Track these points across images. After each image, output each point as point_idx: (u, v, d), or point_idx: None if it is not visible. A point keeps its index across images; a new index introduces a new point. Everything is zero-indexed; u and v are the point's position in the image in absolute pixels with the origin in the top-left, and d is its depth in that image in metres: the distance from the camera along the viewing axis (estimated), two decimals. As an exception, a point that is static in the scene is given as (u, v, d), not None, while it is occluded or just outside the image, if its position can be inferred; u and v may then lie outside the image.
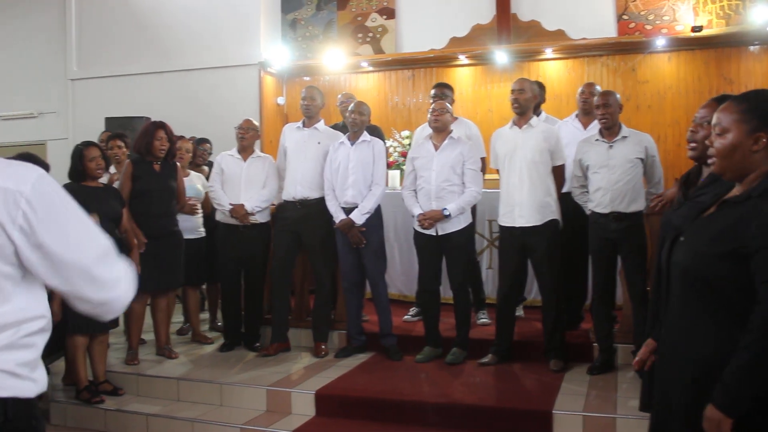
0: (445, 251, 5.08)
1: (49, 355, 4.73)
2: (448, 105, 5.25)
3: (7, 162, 1.56)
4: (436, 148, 5.06)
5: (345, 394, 4.55)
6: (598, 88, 5.48)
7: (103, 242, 1.61)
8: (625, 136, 4.67)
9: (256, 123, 5.81)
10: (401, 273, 6.63)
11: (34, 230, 1.49)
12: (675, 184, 3.91)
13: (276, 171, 5.66)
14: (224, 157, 5.69)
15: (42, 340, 1.60)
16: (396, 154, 7.58)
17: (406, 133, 7.78)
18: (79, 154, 4.79)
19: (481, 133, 5.83)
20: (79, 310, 1.63)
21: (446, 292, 5.45)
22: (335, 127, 5.89)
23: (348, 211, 5.20)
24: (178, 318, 6.34)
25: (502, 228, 4.99)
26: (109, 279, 1.59)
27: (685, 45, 7.50)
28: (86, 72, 9.21)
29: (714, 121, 2.08)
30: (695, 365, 2.00)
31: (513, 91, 4.93)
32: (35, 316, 1.57)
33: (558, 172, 4.94)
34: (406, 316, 6.01)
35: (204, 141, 6.70)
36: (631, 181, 4.60)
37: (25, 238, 1.49)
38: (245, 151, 5.65)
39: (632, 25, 7.62)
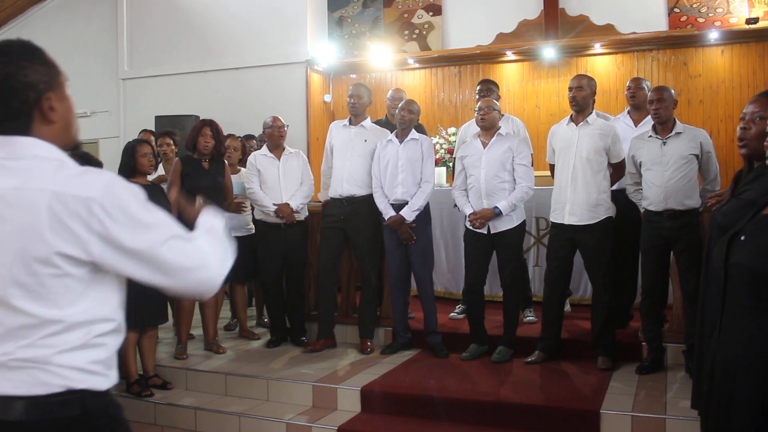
0: (496, 249, 5.05)
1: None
2: (496, 102, 5.20)
3: (81, 170, 1.61)
4: (484, 145, 5.03)
5: (390, 391, 4.55)
6: (647, 83, 5.37)
7: (175, 229, 1.64)
8: (679, 132, 4.55)
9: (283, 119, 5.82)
10: (447, 270, 6.62)
11: (111, 233, 1.55)
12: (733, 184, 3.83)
13: (309, 167, 5.75)
14: (257, 157, 5.69)
15: (114, 341, 1.67)
16: (442, 151, 7.56)
17: (452, 130, 7.76)
18: (132, 150, 4.88)
19: (527, 130, 5.78)
20: (186, 295, 1.73)
21: (492, 290, 5.41)
22: (379, 122, 5.89)
23: (397, 208, 5.20)
24: (225, 314, 6.42)
25: (553, 224, 4.94)
26: (194, 264, 1.64)
27: (739, 38, 7.33)
28: (137, 72, 9.40)
29: (753, 109, 2.23)
30: (762, 366, 1.94)
31: (571, 89, 4.85)
32: (106, 318, 1.64)
33: (618, 168, 4.86)
34: (451, 314, 5.99)
35: (250, 137, 6.77)
36: (685, 177, 4.49)
37: (102, 242, 1.56)
38: (277, 148, 5.68)
39: (684, 18, 7.47)
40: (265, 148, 5.74)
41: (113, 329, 1.66)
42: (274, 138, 5.67)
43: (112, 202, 1.55)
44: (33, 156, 1.59)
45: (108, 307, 1.65)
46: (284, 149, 5.70)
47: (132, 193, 1.60)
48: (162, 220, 1.63)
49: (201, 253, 1.66)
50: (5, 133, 1.60)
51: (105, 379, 1.64)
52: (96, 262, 1.58)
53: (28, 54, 1.66)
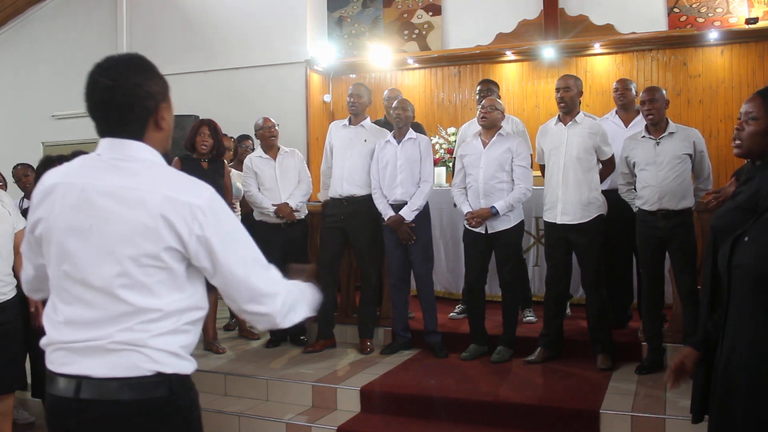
0: (494, 249, 5.05)
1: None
2: (499, 101, 5.20)
3: (190, 179, 1.81)
4: (485, 145, 5.03)
5: (390, 391, 4.55)
6: (634, 84, 5.49)
7: (258, 255, 1.84)
8: (672, 132, 4.58)
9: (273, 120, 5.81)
10: (447, 270, 6.63)
11: (207, 238, 1.74)
12: (733, 181, 3.82)
13: (305, 165, 5.75)
14: (253, 159, 5.70)
15: (197, 329, 1.85)
16: (442, 151, 7.56)
17: (452, 130, 7.76)
18: None
19: (527, 130, 5.78)
20: (244, 317, 1.90)
21: (492, 290, 5.41)
22: (378, 122, 5.89)
23: (396, 208, 5.21)
24: (224, 314, 6.42)
25: (546, 223, 4.96)
26: (264, 291, 1.81)
27: (738, 38, 7.33)
28: (137, 71, 9.38)
29: (747, 109, 2.24)
30: (764, 369, 1.94)
31: (558, 89, 4.87)
32: (195, 307, 1.82)
33: (607, 164, 4.88)
34: (451, 314, 6.00)
35: (245, 138, 6.76)
36: (680, 177, 4.51)
37: (199, 244, 1.74)
38: (272, 149, 5.68)
39: (683, 18, 7.47)
40: (259, 149, 5.74)
41: (199, 317, 1.85)
42: (266, 139, 5.67)
43: (213, 212, 1.76)
44: (143, 159, 1.78)
45: (197, 297, 1.83)
46: (279, 149, 5.70)
47: (228, 210, 1.83)
48: (249, 242, 1.83)
49: (274, 285, 1.83)
50: (120, 136, 1.78)
51: (189, 363, 1.82)
52: (191, 260, 1.77)
53: (149, 67, 1.84)
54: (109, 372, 1.70)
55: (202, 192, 1.77)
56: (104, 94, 1.75)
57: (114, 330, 1.71)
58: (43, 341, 1.81)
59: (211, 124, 5.37)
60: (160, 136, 1.85)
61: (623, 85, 5.44)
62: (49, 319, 1.80)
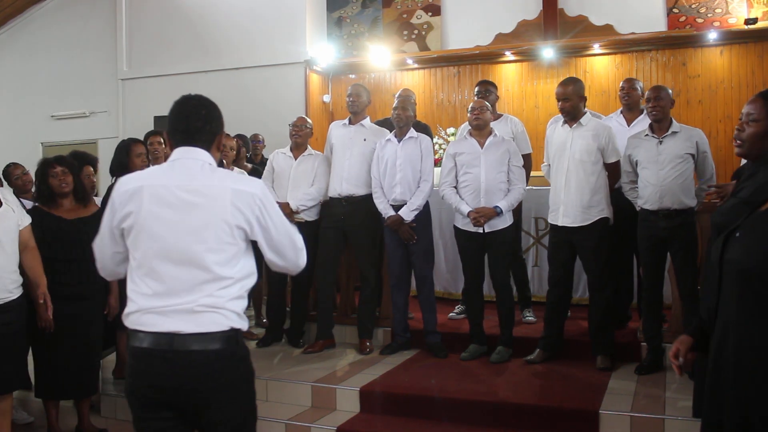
0: (488, 249, 5.05)
1: (102, 349, 4.83)
2: (488, 103, 5.21)
3: (243, 176, 2.46)
4: (481, 145, 5.03)
5: (390, 391, 4.55)
6: (640, 83, 5.41)
7: (289, 224, 2.47)
8: (675, 132, 4.56)
9: (310, 121, 5.82)
10: (446, 271, 6.62)
11: (264, 218, 2.35)
12: (734, 183, 3.81)
13: (326, 169, 5.59)
14: (277, 155, 5.71)
15: (247, 297, 2.41)
16: (441, 151, 7.56)
17: (451, 130, 7.76)
18: (127, 148, 4.86)
19: (527, 130, 5.78)
20: (278, 269, 2.52)
21: (491, 290, 5.41)
22: (384, 122, 5.88)
23: (396, 208, 5.20)
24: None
25: (551, 225, 4.95)
26: (300, 246, 2.49)
27: (738, 38, 7.34)
28: (136, 72, 9.39)
29: (748, 110, 2.30)
30: (752, 366, 1.95)
31: (559, 101, 4.82)
32: (252, 274, 2.42)
33: (612, 169, 4.82)
34: (451, 314, 5.99)
35: (255, 137, 6.77)
36: (681, 176, 4.50)
37: (258, 224, 2.35)
38: (298, 149, 5.65)
39: (683, 18, 7.48)
40: (288, 146, 5.73)
41: (251, 286, 2.42)
42: (291, 137, 5.67)
43: (265, 198, 2.37)
44: (210, 164, 2.40)
45: (252, 267, 2.43)
46: (306, 149, 5.66)
47: (271, 196, 2.44)
48: (284, 217, 2.45)
49: (300, 242, 2.49)
50: (195, 145, 2.39)
51: (245, 323, 2.39)
52: (251, 236, 2.36)
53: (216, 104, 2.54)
54: (196, 328, 2.24)
55: (256, 183, 2.41)
56: (200, 118, 2.41)
57: (199, 296, 2.25)
58: (129, 309, 2.32)
59: None
60: (215, 153, 2.47)
61: (629, 85, 5.35)
62: (137, 292, 2.30)
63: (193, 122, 2.40)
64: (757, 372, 1.95)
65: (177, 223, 2.27)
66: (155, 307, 2.26)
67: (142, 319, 2.28)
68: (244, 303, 2.38)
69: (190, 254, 2.26)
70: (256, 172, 6.14)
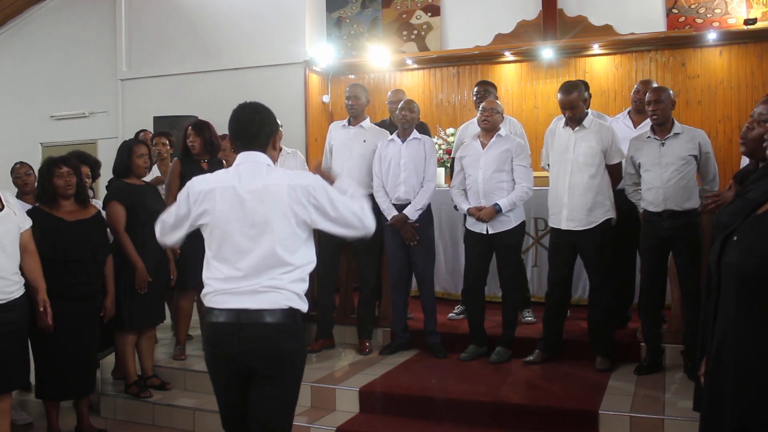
0: (495, 250, 5.05)
1: (100, 350, 4.84)
2: (498, 103, 5.20)
3: (297, 171, 2.84)
4: (483, 146, 5.03)
5: (389, 392, 4.56)
6: (655, 85, 5.33)
7: (342, 198, 2.77)
8: (678, 133, 4.55)
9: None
10: (446, 271, 6.63)
11: (319, 201, 2.69)
12: (732, 185, 3.80)
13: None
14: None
15: (307, 280, 2.79)
16: (441, 151, 7.56)
17: (451, 130, 7.76)
18: (129, 149, 4.85)
19: (526, 131, 5.77)
20: (353, 238, 2.86)
21: (491, 290, 5.41)
22: (382, 123, 5.87)
23: (399, 208, 5.21)
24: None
25: (552, 228, 4.94)
26: (360, 213, 2.77)
27: (737, 38, 7.32)
28: (135, 72, 9.38)
29: (761, 110, 2.30)
30: (750, 368, 1.95)
31: (565, 110, 4.79)
32: (311, 261, 2.80)
33: (614, 170, 4.82)
34: (450, 314, 6.00)
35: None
36: (684, 178, 4.49)
37: (316, 211, 2.70)
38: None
39: (682, 19, 7.48)
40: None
41: (311, 271, 2.78)
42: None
43: (319, 187, 2.70)
44: (268, 164, 2.77)
45: (312, 255, 2.80)
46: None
47: (326, 183, 2.76)
48: (337, 194, 2.75)
49: (361, 207, 2.79)
50: (254, 149, 2.77)
51: (306, 304, 2.76)
52: (311, 225, 2.72)
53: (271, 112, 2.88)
54: (260, 305, 2.64)
55: (309, 177, 2.75)
56: (255, 124, 2.76)
57: (264, 279, 2.65)
58: (205, 291, 2.74)
59: (196, 125, 5.33)
60: (272, 154, 2.84)
61: (645, 88, 5.18)
62: (212, 278, 2.71)
63: (250, 129, 2.77)
64: (756, 374, 1.95)
65: (245, 220, 2.66)
66: (227, 288, 2.67)
67: (215, 298, 2.70)
68: (305, 285, 2.75)
69: (257, 245, 2.65)
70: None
